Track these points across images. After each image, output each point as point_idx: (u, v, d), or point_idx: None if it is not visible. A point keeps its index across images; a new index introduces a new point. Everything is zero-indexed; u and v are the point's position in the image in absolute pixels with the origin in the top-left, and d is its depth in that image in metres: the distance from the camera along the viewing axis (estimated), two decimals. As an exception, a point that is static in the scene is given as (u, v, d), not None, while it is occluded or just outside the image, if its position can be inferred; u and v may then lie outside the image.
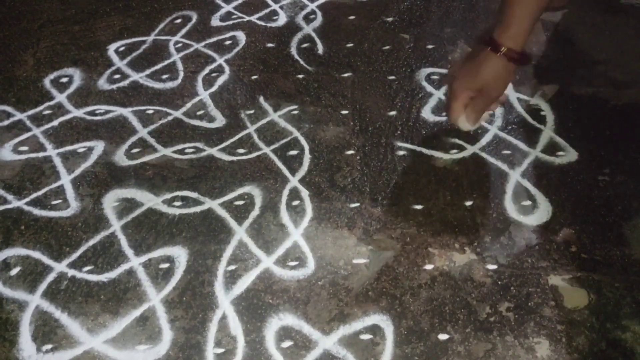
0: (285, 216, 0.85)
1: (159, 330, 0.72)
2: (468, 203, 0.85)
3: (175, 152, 0.95)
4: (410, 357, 0.69)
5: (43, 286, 0.77)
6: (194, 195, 0.88)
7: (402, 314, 0.73)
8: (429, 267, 0.78)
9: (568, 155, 0.91)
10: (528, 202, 0.85)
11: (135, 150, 0.95)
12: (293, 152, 0.94)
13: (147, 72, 1.10)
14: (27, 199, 0.88)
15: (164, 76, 1.09)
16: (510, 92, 1.01)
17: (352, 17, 1.22)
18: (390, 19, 1.21)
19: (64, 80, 1.09)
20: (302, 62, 1.11)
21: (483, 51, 0.75)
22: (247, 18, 1.22)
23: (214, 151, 0.95)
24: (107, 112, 1.02)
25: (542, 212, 0.84)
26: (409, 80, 1.06)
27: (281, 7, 1.25)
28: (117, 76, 1.10)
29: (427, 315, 0.73)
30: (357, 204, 0.86)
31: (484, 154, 0.92)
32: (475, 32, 1.15)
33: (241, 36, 1.18)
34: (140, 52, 1.15)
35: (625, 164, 0.89)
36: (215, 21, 1.22)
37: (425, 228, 0.82)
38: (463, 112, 0.79)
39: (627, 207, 0.83)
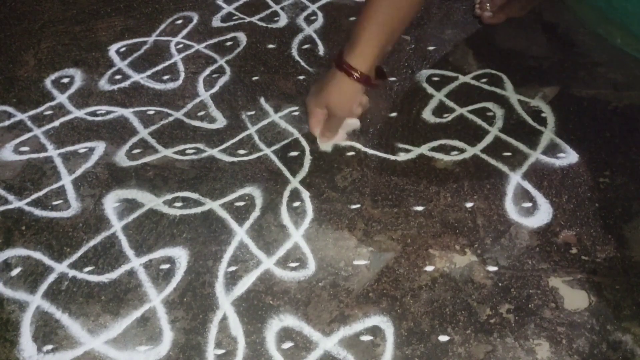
0: (285, 217, 0.85)
1: (159, 331, 0.72)
2: (468, 205, 0.85)
3: (176, 153, 0.95)
4: (410, 358, 0.69)
5: (44, 287, 0.77)
6: (194, 196, 0.88)
7: (402, 315, 0.73)
8: (429, 268, 0.78)
9: (569, 157, 0.91)
10: (528, 204, 0.85)
11: (136, 151, 0.95)
12: (294, 154, 0.94)
13: (148, 72, 1.10)
14: (28, 200, 0.88)
15: (165, 77, 1.09)
16: (511, 94, 1.02)
17: (353, 19, 1.22)
18: (391, 21, 1.21)
19: (65, 80, 1.09)
20: (303, 63, 1.11)
21: (331, 68, 0.79)
22: (248, 19, 1.22)
23: (215, 152, 0.95)
24: (108, 112, 1.02)
25: (543, 213, 0.84)
26: (410, 82, 1.06)
27: (282, 8, 1.25)
28: (118, 77, 1.10)
29: (428, 316, 0.73)
30: (358, 205, 0.86)
31: (484, 156, 0.92)
32: (476, 34, 1.15)
33: (242, 37, 1.18)
34: (141, 53, 1.15)
35: (626, 166, 0.89)
36: (216, 22, 1.22)
37: (426, 229, 0.82)
38: (319, 128, 0.86)
39: (628, 209, 0.83)
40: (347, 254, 0.80)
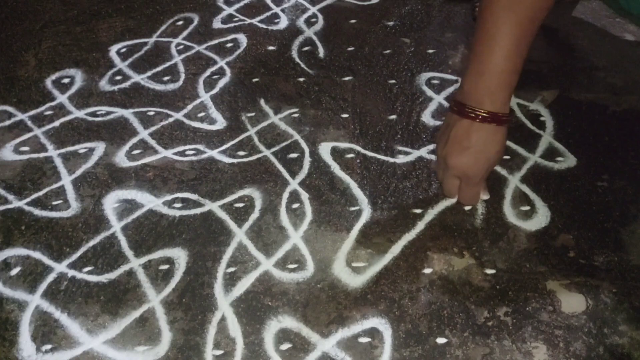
0: (285, 219, 0.85)
1: (158, 331, 0.73)
2: (467, 207, 0.85)
3: (175, 153, 0.95)
4: (408, 360, 0.69)
5: (43, 286, 0.77)
6: (194, 197, 0.88)
7: (400, 317, 0.73)
8: (427, 271, 0.78)
9: (567, 160, 0.92)
10: (527, 207, 0.85)
11: (136, 152, 0.96)
12: (293, 155, 0.94)
13: (149, 73, 1.11)
14: (28, 199, 0.89)
15: (165, 78, 1.10)
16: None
17: (353, 21, 1.22)
18: (391, 23, 1.22)
19: (66, 81, 1.10)
20: (303, 65, 1.12)
21: (482, 125, 0.71)
22: (248, 21, 1.23)
23: (215, 153, 0.95)
24: (108, 113, 1.03)
25: (541, 217, 0.84)
26: (410, 84, 1.06)
27: (283, 10, 1.25)
28: (118, 77, 1.10)
29: (426, 318, 0.73)
30: (357, 207, 0.86)
31: (483, 159, 0.92)
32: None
33: (242, 39, 1.18)
34: (141, 54, 1.15)
35: (624, 170, 0.90)
36: (216, 23, 1.22)
37: (425, 232, 0.83)
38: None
39: (626, 213, 0.84)
40: (345, 255, 0.80)
